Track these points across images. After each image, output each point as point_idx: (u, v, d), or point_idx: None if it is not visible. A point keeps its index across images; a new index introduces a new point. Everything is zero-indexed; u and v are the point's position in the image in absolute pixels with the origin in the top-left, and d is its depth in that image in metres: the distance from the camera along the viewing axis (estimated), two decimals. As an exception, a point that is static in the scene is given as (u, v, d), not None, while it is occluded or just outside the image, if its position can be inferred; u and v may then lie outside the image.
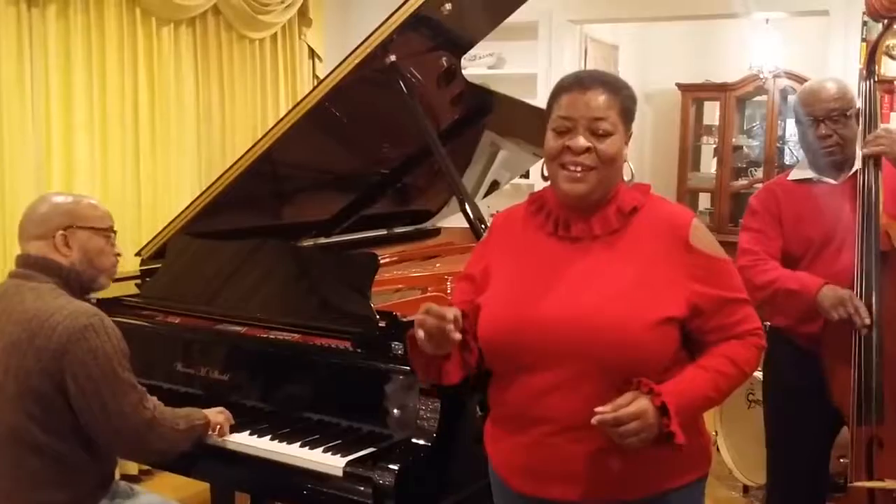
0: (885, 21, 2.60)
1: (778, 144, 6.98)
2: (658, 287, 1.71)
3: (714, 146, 7.25)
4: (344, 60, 2.70)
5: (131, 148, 4.10)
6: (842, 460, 2.93)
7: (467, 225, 2.74)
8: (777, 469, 2.85)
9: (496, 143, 3.63)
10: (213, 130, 4.59)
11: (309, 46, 5.22)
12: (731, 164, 7.08)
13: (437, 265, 3.55)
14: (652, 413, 1.62)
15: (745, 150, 7.36)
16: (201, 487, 3.22)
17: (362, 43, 2.67)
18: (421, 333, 1.66)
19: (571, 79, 1.79)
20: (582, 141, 1.72)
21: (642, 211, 1.79)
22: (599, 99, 1.73)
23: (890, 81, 2.65)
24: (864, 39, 4.59)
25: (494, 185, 4.00)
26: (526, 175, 5.18)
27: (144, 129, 4.16)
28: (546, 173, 1.81)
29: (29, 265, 2.17)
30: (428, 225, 4.07)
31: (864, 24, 4.57)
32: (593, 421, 1.60)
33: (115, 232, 2.32)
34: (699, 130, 7.29)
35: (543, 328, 1.71)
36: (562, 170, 1.75)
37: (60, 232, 2.18)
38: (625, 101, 1.77)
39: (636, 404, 1.61)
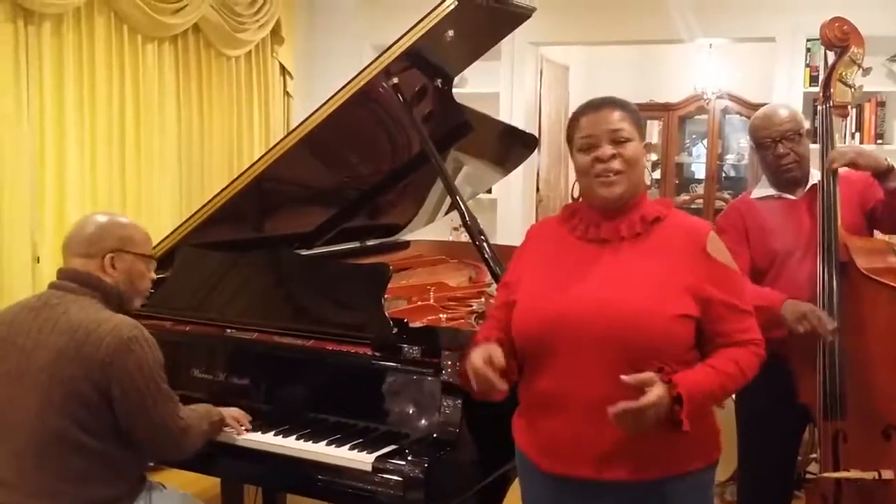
0: (839, 50, 2.76)
1: (718, 162, 7.30)
2: (678, 287, 1.89)
3: (653, 161, 7.54)
4: (351, 81, 2.82)
5: (117, 162, 4.18)
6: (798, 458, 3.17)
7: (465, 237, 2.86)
8: (749, 466, 2.97)
9: (459, 159, 3.72)
10: (192, 144, 4.71)
11: (280, 64, 5.37)
12: (672, 179, 7.38)
13: (412, 277, 3.66)
14: (666, 402, 1.78)
15: (685, 166, 7.68)
16: (212, 482, 3.28)
17: (369, 65, 2.80)
18: (474, 385, 1.89)
19: (584, 105, 2.02)
20: (608, 149, 1.93)
21: (665, 221, 1.98)
22: (613, 114, 1.95)
23: (844, 106, 2.86)
24: (807, 65, 4.90)
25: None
26: (489, 191, 5.35)
27: (130, 143, 4.25)
28: (578, 192, 1.99)
29: (73, 280, 2.25)
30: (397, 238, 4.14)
31: (808, 50, 4.89)
32: (613, 410, 1.74)
33: (155, 259, 2.45)
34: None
35: (575, 316, 1.89)
36: (595, 179, 1.94)
37: (109, 255, 2.28)
38: (634, 114, 1.99)
39: (654, 392, 1.76)
